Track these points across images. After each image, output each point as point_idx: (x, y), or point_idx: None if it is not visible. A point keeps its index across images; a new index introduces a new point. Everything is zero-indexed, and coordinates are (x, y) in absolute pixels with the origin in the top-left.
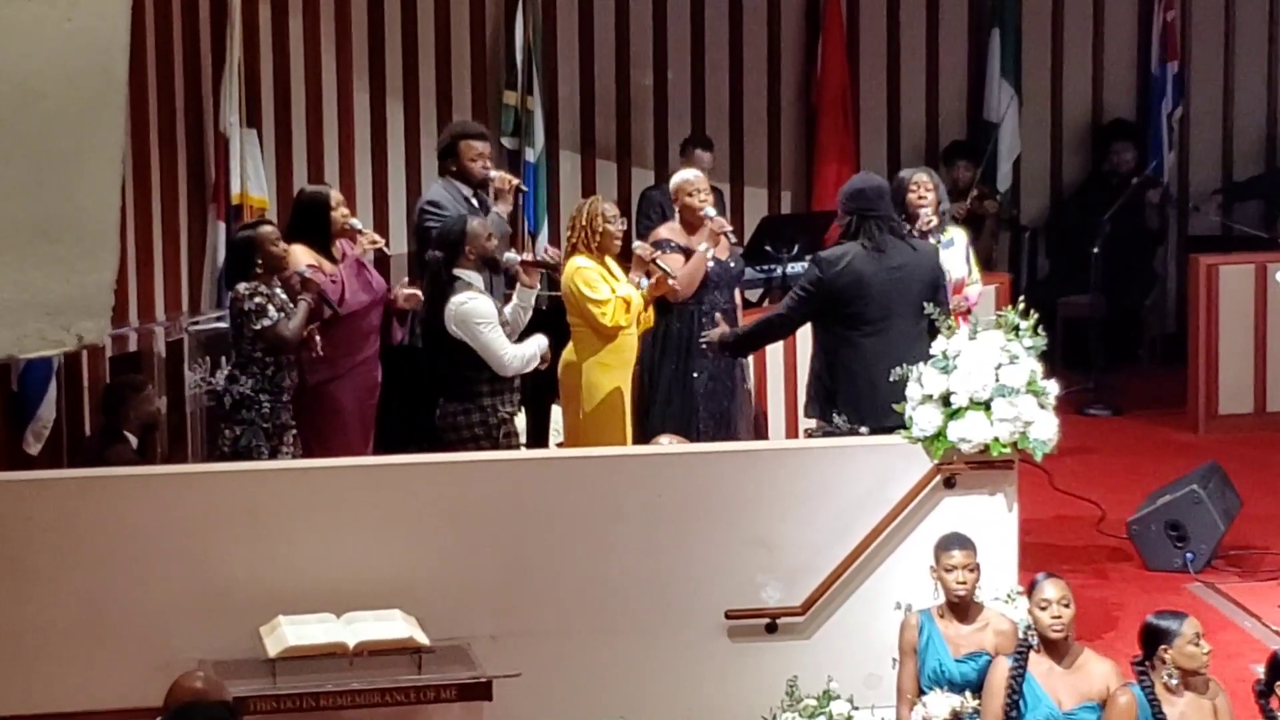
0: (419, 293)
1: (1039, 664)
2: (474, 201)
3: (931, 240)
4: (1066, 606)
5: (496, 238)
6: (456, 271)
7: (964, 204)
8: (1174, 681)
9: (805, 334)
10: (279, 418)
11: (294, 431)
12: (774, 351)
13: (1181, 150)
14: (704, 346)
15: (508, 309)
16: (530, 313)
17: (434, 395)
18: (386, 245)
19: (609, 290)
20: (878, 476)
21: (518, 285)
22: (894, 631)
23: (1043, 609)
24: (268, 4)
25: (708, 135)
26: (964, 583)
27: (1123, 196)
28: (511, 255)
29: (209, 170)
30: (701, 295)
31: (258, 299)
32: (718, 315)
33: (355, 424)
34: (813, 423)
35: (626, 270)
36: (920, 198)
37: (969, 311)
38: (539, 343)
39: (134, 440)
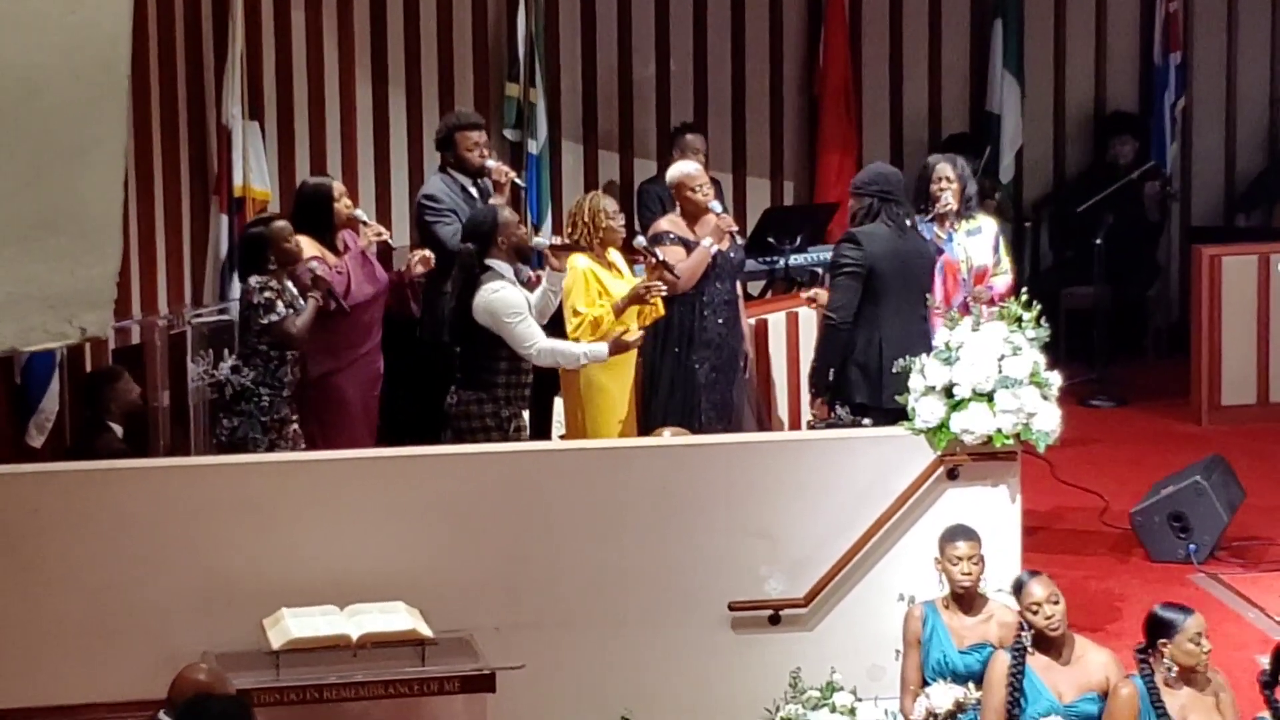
0: (428, 253)
1: (1038, 658)
2: (472, 191)
3: (953, 226)
4: (1056, 603)
5: None
6: (488, 261)
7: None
8: (1172, 674)
9: (808, 324)
10: (278, 411)
11: (294, 425)
12: (776, 341)
13: (1184, 141)
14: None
15: (536, 294)
16: (560, 297)
17: (447, 383)
18: (390, 236)
19: (594, 304)
20: (880, 468)
21: (546, 270)
22: (897, 623)
23: (1034, 611)
24: None
25: (704, 124)
26: (969, 574)
27: (1115, 186)
28: (539, 239)
29: (211, 163)
30: (703, 286)
31: (267, 294)
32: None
33: (358, 415)
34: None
35: (630, 263)
36: (940, 188)
37: (993, 301)
38: (592, 349)
39: (119, 429)
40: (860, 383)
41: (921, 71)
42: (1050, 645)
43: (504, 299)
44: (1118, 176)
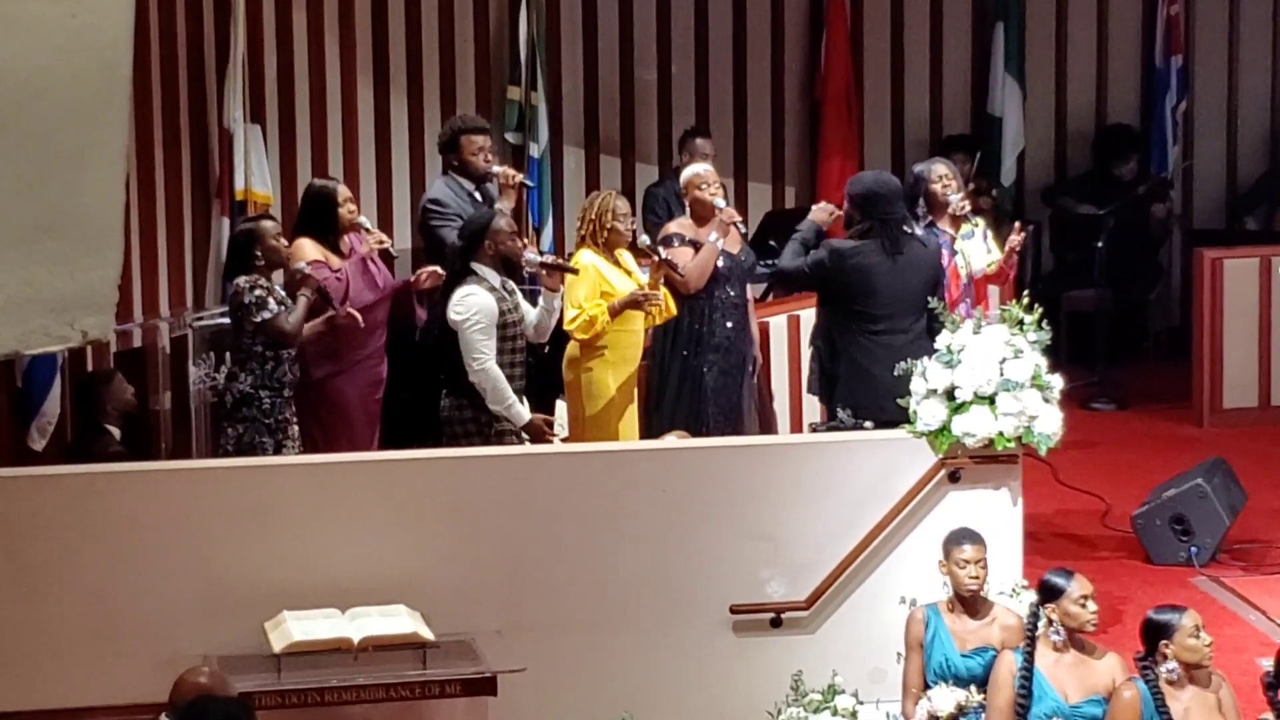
0: (439, 269)
1: (1044, 657)
2: (477, 196)
3: (964, 226)
4: (1095, 599)
5: None
6: (473, 265)
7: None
8: (1176, 675)
9: (809, 328)
10: (281, 413)
11: (296, 426)
12: (778, 346)
13: (1185, 145)
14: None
15: (533, 313)
16: (556, 315)
17: (440, 387)
18: (392, 245)
19: (591, 300)
20: (882, 471)
21: (542, 290)
22: (899, 626)
23: (1082, 605)
24: None
25: (709, 128)
26: (976, 578)
27: (1126, 200)
28: (532, 256)
29: (213, 166)
30: (712, 289)
31: (258, 292)
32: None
33: (360, 419)
34: (818, 417)
35: (640, 263)
36: (945, 187)
37: (1008, 277)
38: (514, 411)
39: (116, 432)
40: (817, 379)
41: (923, 75)
42: (1071, 641)
43: (469, 303)
44: (1121, 190)
